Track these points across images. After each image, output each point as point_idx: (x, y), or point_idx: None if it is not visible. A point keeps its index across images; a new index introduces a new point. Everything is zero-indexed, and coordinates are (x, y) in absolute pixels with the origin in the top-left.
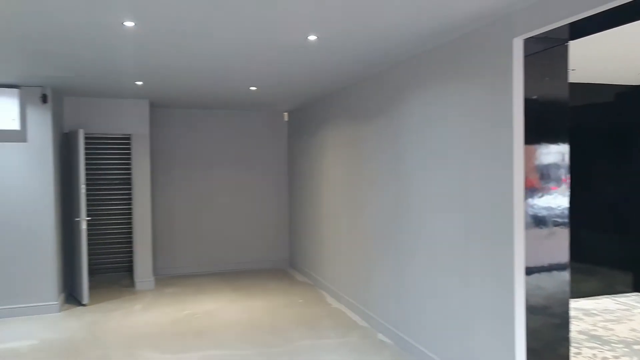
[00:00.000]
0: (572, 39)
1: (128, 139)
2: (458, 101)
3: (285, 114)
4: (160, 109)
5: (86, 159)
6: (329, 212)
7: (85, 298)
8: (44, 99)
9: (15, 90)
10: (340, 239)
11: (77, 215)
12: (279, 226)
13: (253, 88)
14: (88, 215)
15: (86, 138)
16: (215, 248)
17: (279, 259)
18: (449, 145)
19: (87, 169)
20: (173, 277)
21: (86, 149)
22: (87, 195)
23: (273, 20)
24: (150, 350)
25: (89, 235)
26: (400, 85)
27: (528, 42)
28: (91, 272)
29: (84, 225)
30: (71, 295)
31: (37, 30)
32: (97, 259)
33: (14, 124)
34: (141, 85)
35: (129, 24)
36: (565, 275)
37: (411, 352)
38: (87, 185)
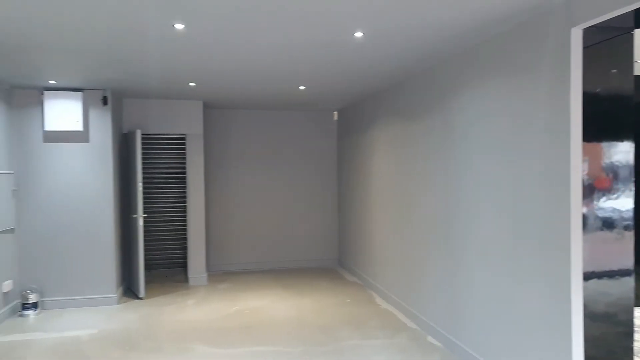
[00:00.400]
0: (638, 27)
1: (183, 139)
2: (511, 96)
3: (335, 113)
4: (214, 110)
5: (144, 158)
6: (377, 211)
7: (142, 292)
8: (105, 101)
9: (79, 94)
10: (389, 238)
11: (134, 212)
12: (328, 225)
13: (302, 87)
14: (145, 213)
15: (144, 138)
16: (266, 246)
17: (329, 257)
18: (500, 142)
19: (144, 168)
20: (226, 273)
21: (144, 148)
22: (145, 193)
23: (318, 19)
24: (200, 344)
25: (146, 231)
26: (450, 80)
27: (588, 32)
28: (149, 267)
29: (140, 222)
30: (129, 289)
31: (99, 38)
32: (154, 254)
33: (78, 125)
34: (194, 86)
35: (179, 26)
36: (630, 281)
37: (461, 355)
38: (145, 183)
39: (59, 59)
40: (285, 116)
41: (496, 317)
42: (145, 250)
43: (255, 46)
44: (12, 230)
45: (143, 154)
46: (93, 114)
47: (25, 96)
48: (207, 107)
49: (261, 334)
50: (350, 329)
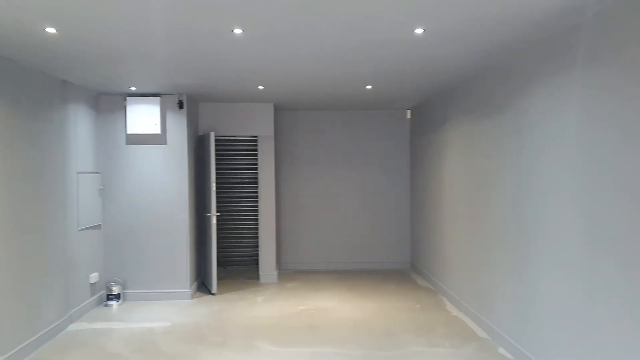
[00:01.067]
0: None
1: (255, 140)
2: (589, 91)
3: (408, 111)
4: (285, 111)
5: (218, 159)
6: (449, 213)
7: (214, 288)
8: (180, 105)
9: (157, 99)
10: (460, 242)
11: (208, 210)
12: (401, 227)
13: (369, 87)
14: (220, 211)
15: (218, 140)
16: (336, 246)
17: (401, 260)
18: (578, 140)
19: (219, 169)
20: (296, 272)
21: (218, 150)
22: (220, 192)
23: (376, 16)
24: (264, 342)
25: (221, 229)
26: (523, 75)
27: None
28: (223, 264)
29: (213, 220)
30: (203, 285)
31: (174, 47)
32: (229, 251)
33: (156, 129)
34: (263, 89)
35: (238, 31)
36: None
37: None
38: (220, 183)
39: (139, 67)
40: (356, 116)
41: (571, 333)
42: (220, 247)
43: (315, 47)
44: (99, 227)
45: (218, 155)
46: (170, 117)
47: (110, 102)
48: (278, 109)
49: (324, 335)
50: (416, 335)
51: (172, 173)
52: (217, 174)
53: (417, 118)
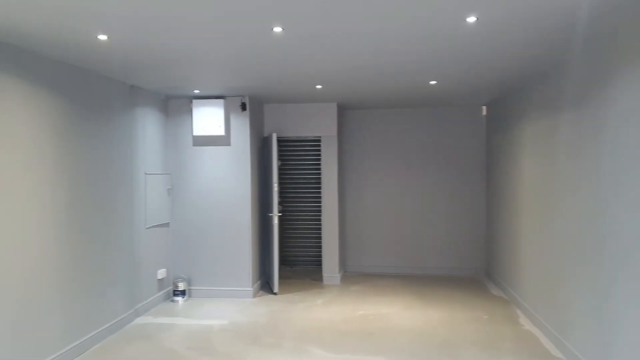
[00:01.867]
0: None
1: (319, 140)
2: None
3: (484, 107)
4: (350, 111)
5: (284, 159)
6: (525, 218)
7: (276, 287)
8: (243, 107)
9: (221, 101)
10: (537, 251)
11: (271, 211)
12: (475, 231)
13: (433, 82)
14: (285, 212)
15: (282, 141)
16: (404, 249)
17: (474, 267)
18: None
19: (284, 169)
20: (361, 274)
21: (283, 150)
22: (285, 192)
23: (427, 6)
24: (316, 346)
25: (287, 229)
26: (601, 65)
27: None
28: (290, 263)
29: (275, 220)
30: (267, 284)
31: (235, 50)
32: (295, 251)
33: (220, 130)
34: (323, 88)
35: (277, 29)
36: None
37: None
38: (286, 183)
39: (201, 70)
40: (425, 113)
41: None
42: (286, 247)
43: (367, 43)
44: (167, 225)
45: (283, 155)
46: (234, 119)
47: (179, 105)
48: (343, 108)
49: (379, 343)
50: (479, 349)
51: (236, 173)
52: (282, 174)
53: (493, 114)
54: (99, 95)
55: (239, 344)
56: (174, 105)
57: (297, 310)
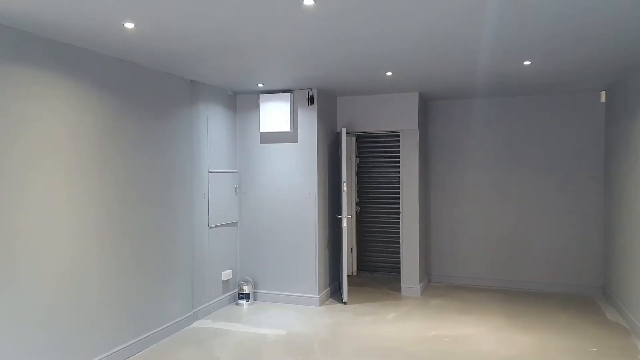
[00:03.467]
0: None
1: (398, 135)
2: None
3: (603, 93)
4: (435, 102)
5: (363, 157)
6: None
7: (345, 296)
8: (311, 100)
9: (287, 95)
10: None
11: (340, 212)
12: (590, 241)
13: (527, 63)
14: (364, 213)
15: (361, 137)
16: (499, 259)
17: (587, 284)
18: None
19: (363, 168)
20: (447, 286)
21: (362, 147)
22: (364, 192)
23: None
24: None
25: (365, 232)
26: None
27: None
28: (370, 269)
29: (344, 223)
30: (339, 291)
31: (298, 40)
32: (373, 256)
33: (286, 126)
34: (393, 76)
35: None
36: None
37: None
38: (364, 182)
39: (257, 60)
40: (524, 103)
41: None
42: (365, 251)
43: (455, 21)
44: (234, 224)
45: (362, 153)
46: (301, 114)
47: (247, 101)
48: (425, 99)
49: None
50: None
51: (303, 172)
52: (362, 172)
53: (615, 101)
54: (154, 91)
55: (289, 358)
56: (243, 101)
57: (362, 325)
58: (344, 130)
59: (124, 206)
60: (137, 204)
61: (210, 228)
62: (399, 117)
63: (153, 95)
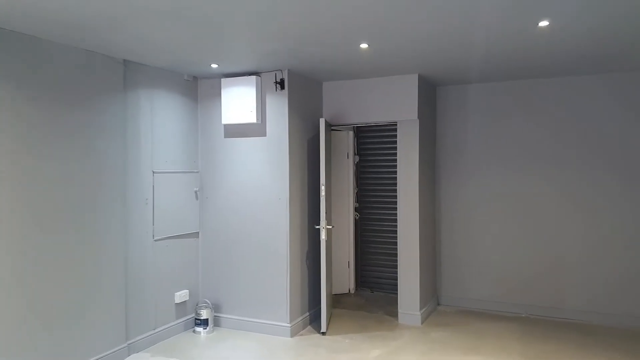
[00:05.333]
0: None
1: (388, 127)
2: None
3: None
4: (447, 87)
5: (358, 154)
6: None
7: (324, 326)
8: (281, 84)
9: (252, 78)
10: None
11: (319, 222)
12: None
13: (544, 23)
14: (363, 221)
15: (357, 130)
16: (528, 280)
17: None
18: None
19: (363, 167)
20: (458, 311)
21: (362, 143)
22: (364, 197)
23: None
24: None
25: (366, 243)
26: None
27: None
28: (370, 286)
29: (322, 235)
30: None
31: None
32: (375, 271)
33: (252, 117)
34: (367, 48)
35: None
36: None
37: None
38: (365, 184)
39: (229, 34)
40: (560, 85)
41: None
42: (366, 264)
43: None
44: (196, 235)
45: (363, 149)
46: (270, 102)
47: (208, 87)
48: (431, 83)
49: None
50: None
51: (272, 172)
52: (362, 172)
53: None
54: (71, 75)
55: None
56: (205, 87)
57: None
58: (322, 122)
59: (33, 217)
60: (52, 212)
61: (155, 240)
62: (396, 106)
63: (69, 79)
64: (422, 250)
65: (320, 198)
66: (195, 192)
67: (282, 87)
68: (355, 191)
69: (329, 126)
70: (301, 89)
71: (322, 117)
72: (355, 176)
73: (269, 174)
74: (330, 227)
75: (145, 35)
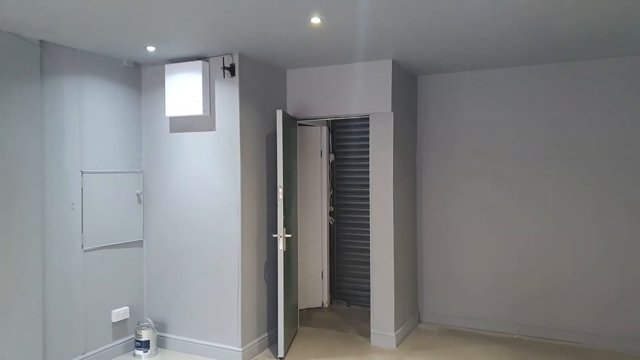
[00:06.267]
0: None
1: (367, 121)
2: None
3: None
4: (430, 76)
5: (333, 152)
6: None
7: (281, 350)
8: (231, 70)
9: (198, 64)
10: None
11: (276, 230)
12: None
13: None
14: (340, 225)
15: (332, 125)
16: (522, 295)
17: None
18: None
19: (339, 166)
20: (443, 329)
21: (339, 139)
22: (340, 200)
23: None
24: None
25: (343, 251)
26: None
27: None
28: (346, 299)
29: (280, 245)
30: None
31: None
32: (351, 282)
33: (197, 108)
34: (321, 24)
35: None
36: None
37: None
38: (341, 185)
39: (161, 9)
40: (561, 72)
41: None
42: (342, 275)
43: None
44: (140, 244)
45: (339, 145)
46: (219, 91)
47: (153, 75)
48: (410, 71)
49: None
50: None
51: (222, 172)
52: (338, 172)
53: None
54: None
55: None
56: (149, 75)
57: None
58: (279, 114)
59: None
60: None
61: (86, 251)
62: (368, 97)
63: None
64: (398, 262)
65: (278, 202)
66: (138, 195)
67: (233, 74)
68: (330, 193)
69: (294, 120)
70: (257, 76)
71: (282, 109)
72: (330, 176)
73: (219, 174)
74: (289, 235)
75: (61, 10)
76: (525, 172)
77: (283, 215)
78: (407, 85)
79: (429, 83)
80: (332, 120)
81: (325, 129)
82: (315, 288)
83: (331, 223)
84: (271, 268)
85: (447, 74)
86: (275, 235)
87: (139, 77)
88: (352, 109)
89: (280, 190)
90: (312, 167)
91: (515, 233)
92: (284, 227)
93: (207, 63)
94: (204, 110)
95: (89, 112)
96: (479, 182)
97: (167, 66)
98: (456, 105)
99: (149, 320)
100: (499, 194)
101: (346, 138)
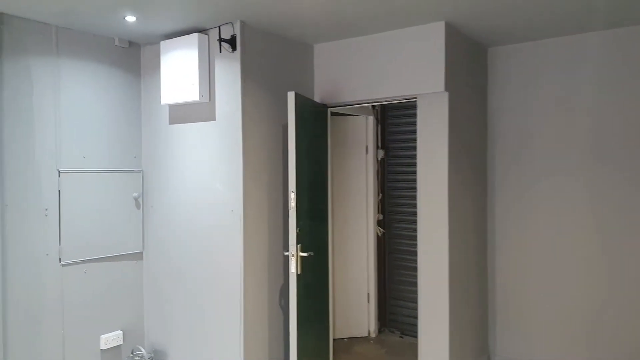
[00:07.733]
0: None
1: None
2: None
3: None
4: (506, 47)
5: (383, 148)
6: None
7: None
8: (231, 44)
9: (194, 37)
10: None
11: (288, 246)
12: None
13: None
14: (388, 237)
15: (382, 111)
16: (620, 333)
17: None
18: None
19: (391, 164)
20: None
21: (380, 130)
22: (391, 205)
23: None
24: None
25: (397, 269)
26: None
27: None
28: (399, 328)
29: (292, 267)
30: None
31: None
32: (405, 307)
33: (194, 92)
34: None
35: None
36: None
37: None
38: (391, 190)
39: None
40: None
41: None
42: (392, 298)
43: None
44: (139, 256)
45: (383, 142)
46: (220, 71)
47: (153, 56)
48: (475, 40)
49: None
50: None
51: (223, 173)
52: (390, 172)
53: None
54: None
55: None
56: (149, 57)
57: None
58: (291, 97)
59: None
60: None
61: (64, 266)
62: (413, 73)
63: None
64: (455, 287)
65: (289, 211)
66: (135, 198)
67: (234, 48)
68: (379, 198)
69: (323, 106)
70: (270, 52)
71: (308, 93)
72: (379, 177)
73: (220, 174)
74: (304, 254)
75: None
76: (636, 177)
77: (297, 227)
78: (471, 57)
79: (506, 55)
80: (381, 107)
81: (371, 119)
82: (359, 313)
83: (380, 234)
84: (284, 293)
85: (531, 42)
86: (286, 254)
87: (137, 59)
88: (393, 90)
89: (292, 196)
90: (354, 166)
91: (627, 256)
92: (299, 243)
93: (206, 36)
94: (201, 95)
95: (70, 101)
96: (571, 184)
97: (162, 43)
98: (542, 83)
99: (141, 348)
100: (602, 200)
101: (399, 130)
